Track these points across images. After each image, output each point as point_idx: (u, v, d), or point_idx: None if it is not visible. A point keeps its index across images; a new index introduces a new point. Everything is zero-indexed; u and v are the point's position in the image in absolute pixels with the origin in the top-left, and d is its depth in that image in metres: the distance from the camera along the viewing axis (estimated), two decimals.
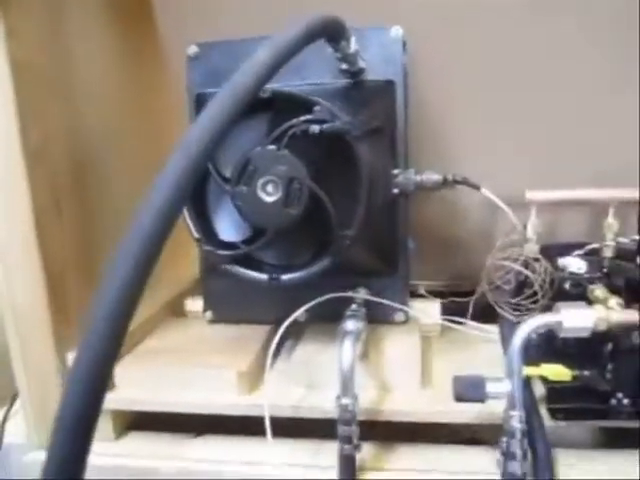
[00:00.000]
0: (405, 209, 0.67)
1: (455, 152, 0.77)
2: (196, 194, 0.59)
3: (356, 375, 0.55)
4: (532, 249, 0.67)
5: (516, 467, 0.51)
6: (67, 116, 0.65)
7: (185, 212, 0.58)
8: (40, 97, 0.60)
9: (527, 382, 0.56)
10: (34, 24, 0.59)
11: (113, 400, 0.63)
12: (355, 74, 0.62)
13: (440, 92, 0.74)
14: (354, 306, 0.64)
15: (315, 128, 0.52)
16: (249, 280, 0.59)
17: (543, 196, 0.68)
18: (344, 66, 0.61)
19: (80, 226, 0.67)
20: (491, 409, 0.55)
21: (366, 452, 0.59)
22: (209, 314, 0.74)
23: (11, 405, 0.70)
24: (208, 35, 0.69)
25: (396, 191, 0.64)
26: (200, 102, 0.63)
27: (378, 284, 0.68)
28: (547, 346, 0.58)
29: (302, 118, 0.53)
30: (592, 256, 0.66)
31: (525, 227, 0.68)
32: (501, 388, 0.51)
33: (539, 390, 0.59)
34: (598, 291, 0.58)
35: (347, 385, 0.55)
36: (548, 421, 0.56)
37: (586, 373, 0.56)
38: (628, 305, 0.55)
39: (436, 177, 0.65)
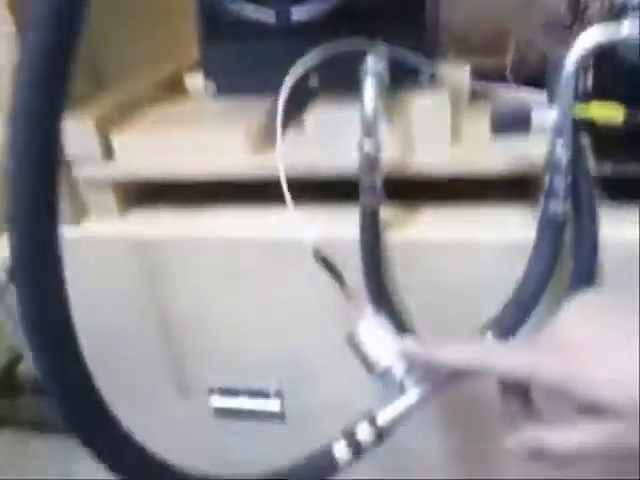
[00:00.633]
0: None
1: None
2: None
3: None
4: None
5: (558, 206, 0.46)
6: None
7: None
8: None
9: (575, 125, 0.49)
10: None
11: (114, 170, 0.58)
12: None
13: None
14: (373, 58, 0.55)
15: None
16: (255, 22, 0.51)
17: None
18: None
19: None
20: (529, 158, 0.49)
21: (391, 213, 0.56)
22: (210, 86, 0.67)
23: None
24: None
25: None
26: None
27: (400, 38, 0.59)
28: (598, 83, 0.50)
29: None
30: None
31: None
32: (548, 115, 0.44)
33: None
34: None
35: (370, 129, 0.48)
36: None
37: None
38: None
39: None
